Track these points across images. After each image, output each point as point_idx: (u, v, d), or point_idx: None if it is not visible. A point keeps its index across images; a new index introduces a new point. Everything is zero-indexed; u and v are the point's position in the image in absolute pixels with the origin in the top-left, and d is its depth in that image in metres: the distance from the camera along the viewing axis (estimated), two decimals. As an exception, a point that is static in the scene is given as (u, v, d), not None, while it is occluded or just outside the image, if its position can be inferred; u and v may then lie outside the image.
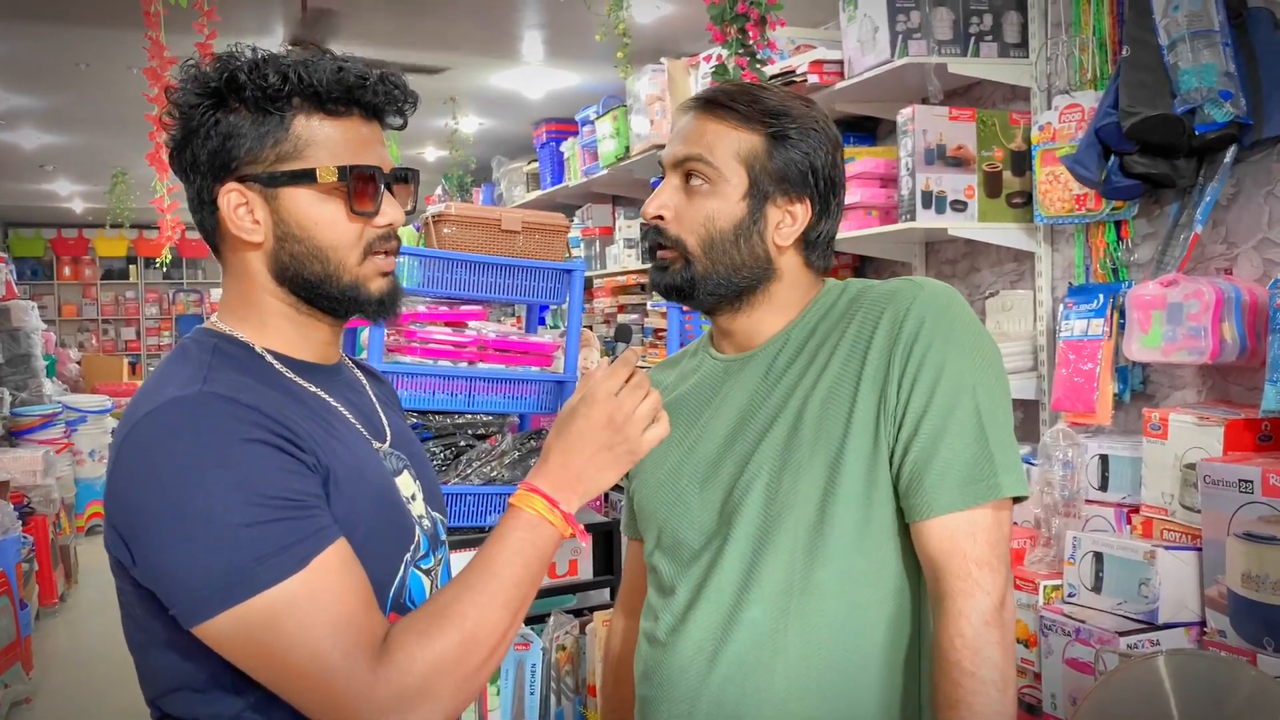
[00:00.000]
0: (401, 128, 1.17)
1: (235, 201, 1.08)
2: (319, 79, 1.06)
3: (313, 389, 1.13)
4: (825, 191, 1.29)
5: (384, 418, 1.23)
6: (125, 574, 1.04)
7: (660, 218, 1.29)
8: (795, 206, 1.29)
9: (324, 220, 1.09)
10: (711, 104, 1.28)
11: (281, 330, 1.13)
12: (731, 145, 1.27)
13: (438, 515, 1.24)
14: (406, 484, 1.19)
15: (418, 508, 1.19)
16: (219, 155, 1.07)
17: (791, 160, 1.27)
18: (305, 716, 1.01)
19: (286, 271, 1.11)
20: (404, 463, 1.20)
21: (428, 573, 1.18)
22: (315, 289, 1.11)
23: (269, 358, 1.11)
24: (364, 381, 1.26)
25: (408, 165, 1.21)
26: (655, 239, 1.30)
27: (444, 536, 1.23)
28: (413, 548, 1.15)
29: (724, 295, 1.29)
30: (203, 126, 1.07)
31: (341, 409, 1.15)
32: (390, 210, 1.12)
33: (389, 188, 1.13)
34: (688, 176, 1.28)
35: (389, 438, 1.21)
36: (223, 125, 1.07)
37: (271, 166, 1.07)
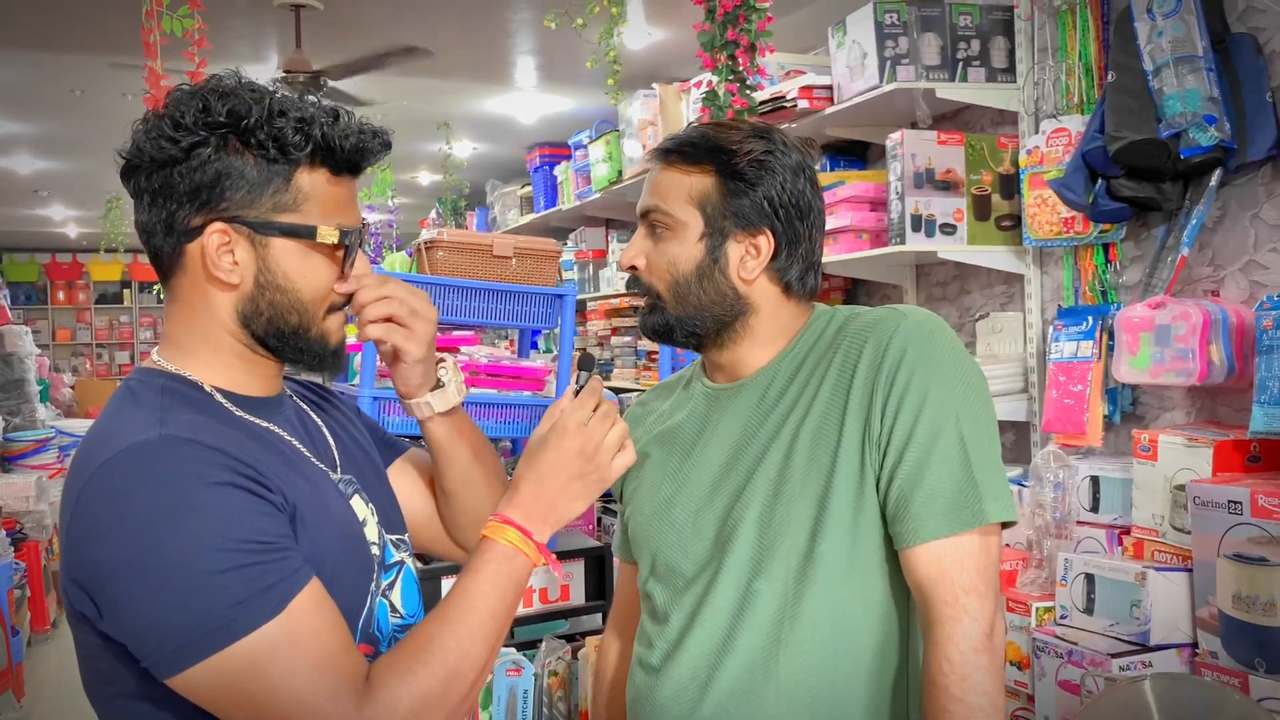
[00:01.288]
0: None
1: (218, 241, 1.06)
2: (339, 144, 1.06)
3: (264, 424, 1.11)
4: (788, 219, 1.30)
5: (331, 443, 1.21)
6: (89, 626, 1.01)
7: (634, 268, 1.34)
8: (758, 239, 1.30)
9: (311, 275, 1.09)
10: (666, 153, 1.32)
11: (231, 366, 1.11)
12: (683, 190, 1.30)
13: (390, 536, 1.21)
14: (360, 507, 1.17)
15: (370, 532, 1.17)
16: (206, 190, 1.04)
17: (745, 194, 1.28)
18: None
19: (260, 317, 1.09)
20: (354, 487, 1.19)
21: (387, 595, 1.17)
22: (286, 339, 1.10)
23: (218, 396, 1.09)
24: (305, 408, 1.24)
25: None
26: (633, 287, 1.36)
27: (396, 558, 1.21)
28: (375, 577, 1.14)
29: (700, 334, 1.33)
30: (193, 157, 1.03)
31: (294, 441, 1.13)
32: (361, 267, 1.14)
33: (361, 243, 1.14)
34: (652, 226, 1.33)
35: (338, 464, 1.19)
36: (220, 162, 1.04)
37: (268, 215, 1.06)
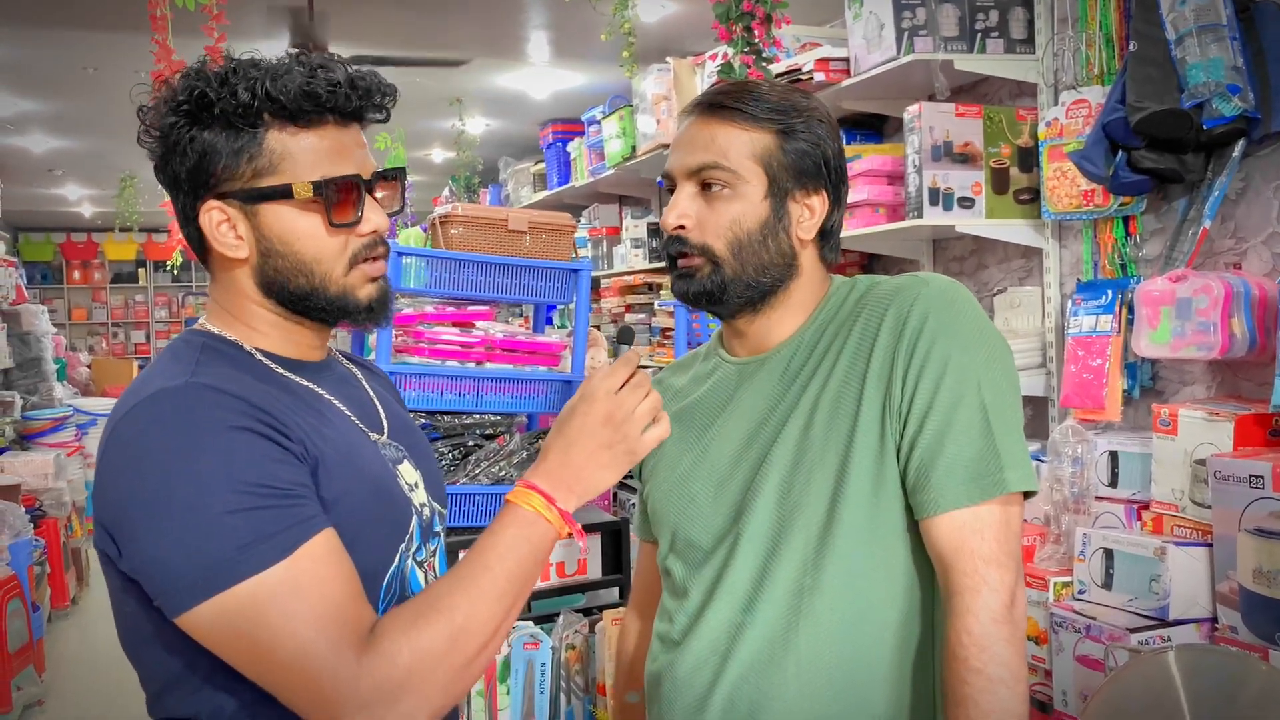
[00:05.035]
0: (384, 121, 1.15)
1: (217, 219, 1.08)
2: (286, 93, 1.04)
3: (304, 383, 1.13)
4: (836, 181, 1.30)
5: (380, 409, 1.23)
6: (114, 569, 1.03)
7: (682, 227, 1.27)
8: (812, 199, 1.29)
9: (305, 234, 1.09)
10: (717, 107, 1.27)
11: (269, 335, 1.14)
12: (745, 146, 1.26)
13: (438, 506, 1.23)
14: (408, 472, 1.19)
15: (419, 496, 1.19)
16: (197, 173, 1.07)
17: (804, 154, 1.27)
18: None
19: (273, 285, 1.11)
20: (403, 453, 1.20)
21: (421, 564, 1.17)
22: (303, 301, 1.11)
23: (259, 355, 1.12)
24: (358, 375, 1.26)
25: (414, 166, 1.21)
26: (678, 248, 1.28)
27: (439, 528, 1.23)
28: (407, 538, 1.14)
29: (751, 297, 1.28)
30: (179, 144, 1.06)
31: (335, 401, 1.15)
32: (374, 217, 1.12)
33: (371, 191, 1.12)
34: (704, 184, 1.27)
35: (386, 429, 1.21)
36: (198, 143, 1.06)
37: (249, 183, 1.07)
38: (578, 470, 1.11)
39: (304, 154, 1.07)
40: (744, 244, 1.26)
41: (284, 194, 1.07)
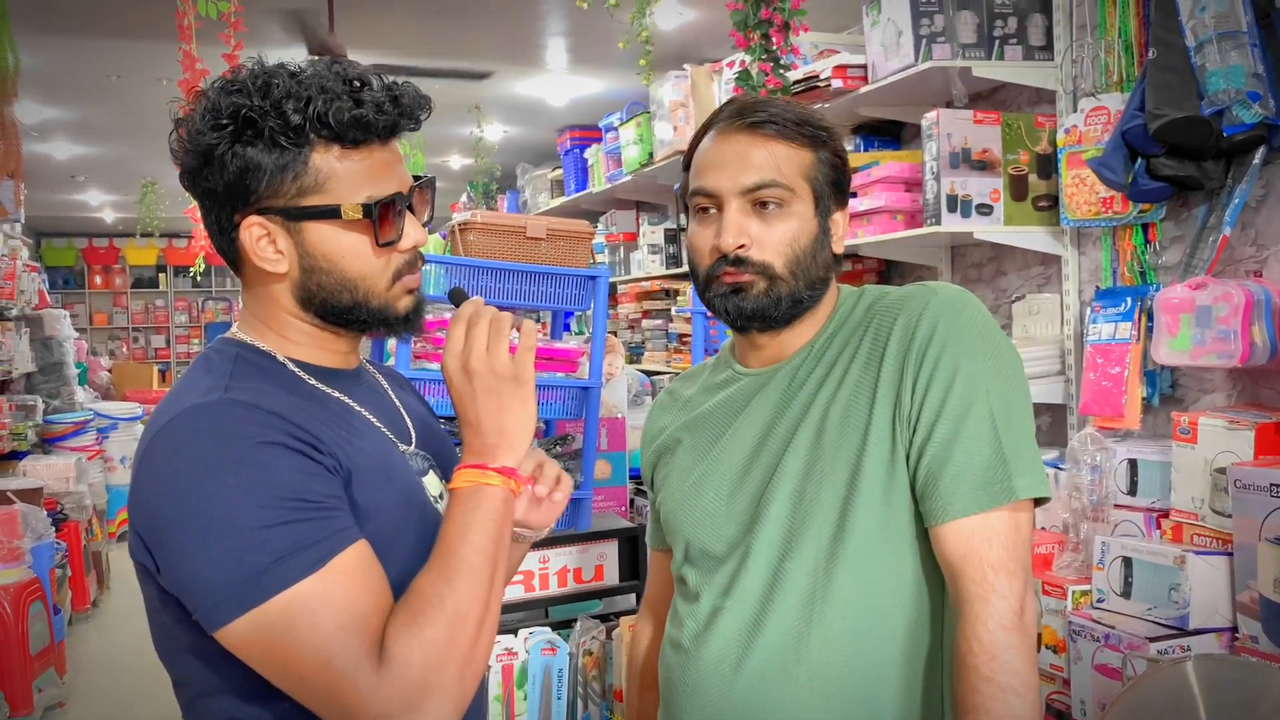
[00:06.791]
0: (415, 130, 1.16)
1: (257, 234, 1.08)
2: (337, 119, 1.05)
3: (335, 394, 1.14)
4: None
5: (408, 420, 1.24)
6: (152, 581, 1.04)
7: (743, 246, 1.27)
8: (838, 214, 1.32)
9: (350, 253, 1.10)
10: (761, 124, 1.27)
11: (303, 345, 1.15)
12: (795, 163, 1.27)
13: None
14: (433, 483, 1.20)
15: (445, 506, 1.20)
16: (237, 187, 1.06)
17: (836, 167, 1.30)
18: None
19: (314, 300, 1.12)
20: (429, 463, 1.21)
21: None
22: (345, 315, 1.13)
23: (291, 366, 1.13)
24: (385, 385, 1.27)
25: (432, 172, 1.21)
26: (733, 266, 1.27)
27: None
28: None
29: (799, 313, 1.30)
30: (218, 158, 1.06)
31: (365, 412, 1.16)
32: (414, 232, 1.13)
33: (411, 206, 1.13)
34: (760, 202, 1.27)
35: (414, 439, 1.22)
36: (239, 158, 1.05)
37: (293, 200, 1.07)
38: (484, 430, 1.10)
39: (350, 175, 1.08)
40: (800, 260, 1.28)
41: (331, 214, 1.08)
